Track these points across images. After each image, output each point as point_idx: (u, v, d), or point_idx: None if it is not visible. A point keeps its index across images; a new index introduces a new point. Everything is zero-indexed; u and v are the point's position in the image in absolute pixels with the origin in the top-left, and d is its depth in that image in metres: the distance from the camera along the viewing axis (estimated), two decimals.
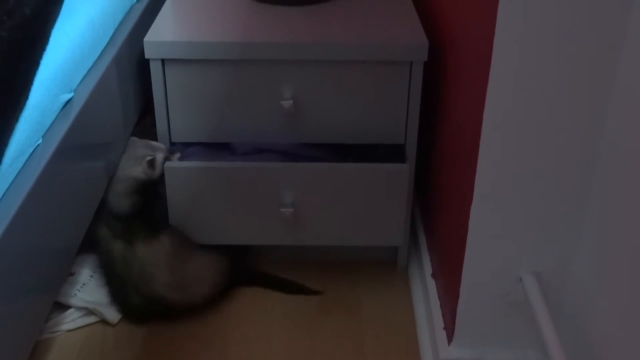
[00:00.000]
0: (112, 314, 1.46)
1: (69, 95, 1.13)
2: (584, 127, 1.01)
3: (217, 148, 1.48)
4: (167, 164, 1.43)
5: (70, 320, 1.46)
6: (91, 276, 1.55)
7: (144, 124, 1.63)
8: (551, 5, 0.93)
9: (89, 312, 1.47)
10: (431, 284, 1.42)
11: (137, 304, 1.45)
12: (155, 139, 1.46)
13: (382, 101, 1.42)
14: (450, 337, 1.24)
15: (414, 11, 1.53)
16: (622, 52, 0.95)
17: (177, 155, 1.48)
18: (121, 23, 1.46)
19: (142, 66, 1.42)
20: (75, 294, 1.50)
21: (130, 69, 1.45)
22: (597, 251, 1.05)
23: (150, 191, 1.48)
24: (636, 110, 0.93)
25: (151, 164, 1.45)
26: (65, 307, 1.48)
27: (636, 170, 0.93)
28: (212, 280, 1.49)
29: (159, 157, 1.47)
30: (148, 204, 1.49)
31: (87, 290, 1.51)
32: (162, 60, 1.38)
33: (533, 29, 0.95)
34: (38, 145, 1.02)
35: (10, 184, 0.94)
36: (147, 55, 1.37)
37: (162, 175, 1.47)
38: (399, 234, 1.48)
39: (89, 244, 1.59)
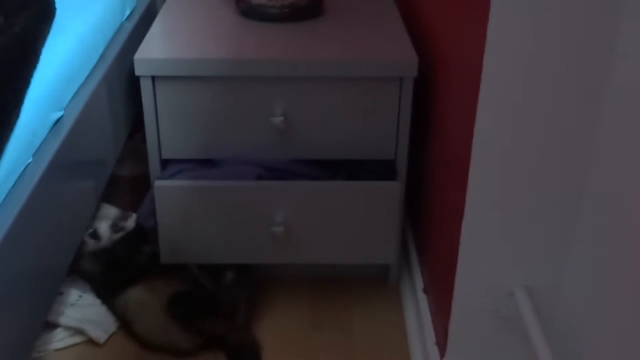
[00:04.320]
0: (99, 333, 1.45)
1: (60, 114, 1.13)
2: (575, 143, 1.02)
3: (202, 163, 1.48)
4: (157, 182, 1.42)
5: (59, 339, 1.45)
6: (80, 296, 1.54)
7: (134, 141, 1.63)
8: (541, 21, 0.94)
9: (77, 331, 1.46)
10: (423, 299, 1.42)
11: None
12: (146, 156, 1.46)
13: (373, 117, 1.43)
14: (442, 353, 1.24)
15: (404, 27, 1.54)
16: (613, 67, 0.96)
17: (133, 217, 1.49)
18: (111, 41, 1.46)
19: (133, 83, 1.42)
20: (63, 312, 1.48)
21: (121, 87, 1.45)
22: (588, 266, 1.06)
23: (109, 257, 1.49)
24: (628, 129, 0.94)
25: (93, 236, 1.46)
26: (52, 325, 1.46)
27: (628, 187, 0.94)
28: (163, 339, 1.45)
29: (102, 227, 1.47)
30: (111, 267, 1.50)
31: (75, 308, 1.50)
32: (153, 78, 1.38)
33: (523, 45, 0.95)
34: (29, 164, 1.01)
35: (1, 203, 0.94)
36: (137, 73, 1.37)
37: (124, 239, 1.48)
38: (390, 252, 1.48)
39: (79, 264, 1.59)
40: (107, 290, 1.50)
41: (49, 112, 1.09)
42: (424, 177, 1.49)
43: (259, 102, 1.41)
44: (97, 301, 1.53)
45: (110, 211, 1.51)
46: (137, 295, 1.45)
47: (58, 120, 1.13)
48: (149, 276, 1.46)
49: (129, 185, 1.66)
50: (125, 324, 1.47)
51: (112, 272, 1.49)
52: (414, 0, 1.65)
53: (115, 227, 1.48)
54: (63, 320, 1.47)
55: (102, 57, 1.38)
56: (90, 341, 1.45)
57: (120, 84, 1.45)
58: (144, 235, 1.49)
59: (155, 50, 1.42)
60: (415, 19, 1.60)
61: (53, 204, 1.07)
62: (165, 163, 1.48)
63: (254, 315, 1.51)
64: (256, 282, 1.58)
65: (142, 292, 1.44)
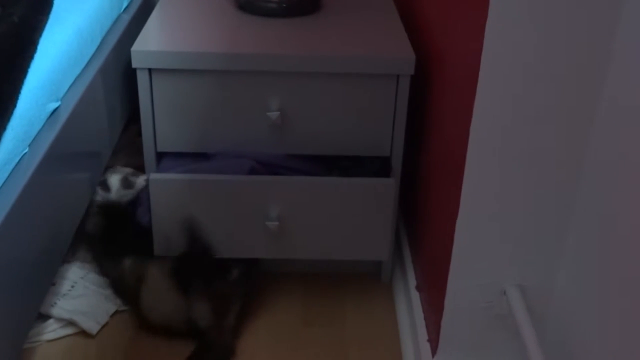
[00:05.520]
0: (91, 324, 1.45)
1: (56, 104, 1.13)
2: (570, 143, 1.03)
3: (196, 156, 1.48)
4: (152, 175, 1.42)
5: (51, 330, 1.45)
6: (72, 287, 1.54)
7: (130, 133, 1.63)
8: (540, 20, 0.94)
9: (69, 322, 1.46)
10: (415, 296, 1.42)
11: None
12: (140, 149, 1.46)
13: (369, 114, 1.43)
14: (434, 349, 1.24)
15: (401, 24, 1.55)
16: (610, 68, 0.97)
17: (144, 176, 1.48)
18: (108, 32, 1.46)
19: (129, 75, 1.42)
20: (55, 303, 1.48)
21: (117, 78, 1.45)
22: (581, 265, 1.06)
23: (115, 214, 1.49)
24: (623, 130, 0.95)
25: (103, 185, 1.47)
26: (44, 317, 1.46)
27: (620, 186, 0.94)
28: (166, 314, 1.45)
29: (113, 179, 1.47)
30: (113, 227, 1.50)
31: (67, 299, 1.50)
32: (149, 70, 1.38)
33: (521, 43, 0.96)
34: (24, 154, 1.01)
35: None
36: (134, 65, 1.37)
37: (135, 200, 1.48)
38: (384, 249, 1.48)
39: (72, 254, 1.59)
40: (105, 252, 1.50)
41: (46, 103, 1.09)
42: (419, 175, 1.49)
43: (255, 96, 1.41)
44: (89, 291, 1.53)
45: (122, 169, 1.53)
46: (137, 270, 1.45)
47: (54, 111, 1.12)
48: (145, 254, 1.47)
49: None
50: (122, 295, 1.49)
51: (113, 231, 1.49)
52: None
53: (125, 182, 1.50)
54: (55, 311, 1.47)
55: (99, 49, 1.38)
56: (82, 332, 1.45)
57: (117, 75, 1.45)
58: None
59: (152, 42, 1.42)
60: (413, 15, 1.60)
61: (48, 195, 1.07)
62: (160, 156, 1.48)
63: (247, 311, 1.52)
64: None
65: (141, 267, 1.45)
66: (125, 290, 1.49)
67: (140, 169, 1.50)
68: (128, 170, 1.53)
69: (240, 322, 1.48)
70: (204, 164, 1.45)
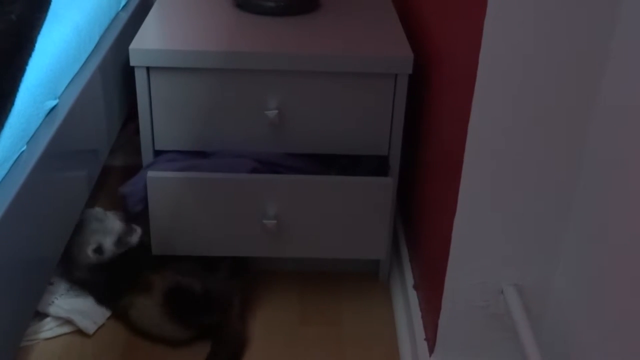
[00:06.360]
0: (88, 324, 1.45)
1: (54, 102, 1.13)
2: (568, 142, 1.03)
3: (195, 155, 1.48)
4: (150, 173, 1.42)
5: (48, 328, 1.45)
6: (70, 287, 1.53)
7: (127, 132, 1.63)
8: (537, 20, 0.94)
9: (66, 321, 1.46)
10: (413, 295, 1.42)
11: None
12: (138, 147, 1.46)
13: (367, 113, 1.43)
14: (431, 349, 1.24)
15: (399, 23, 1.55)
16: (608, 68, 0.97)
17: (138, 232, 1.47)
18: (107, 30, 1.46)
19: (127, 73, 1.42)
20: (53, 302, 1.48)
21: (115, 76, 1.45)
22: (578, 265, 1.07)
23: (111, 270, 1.47)
24: (620, 130, 0.95)
25: (98, 251, 1.44)
26: (42, 315, 1.46)
27: (618, 186, 0.95)
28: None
29: (107, 242, 1.45)
30: (101, 284, 1.48)
31: (65, 298, 1.50)
32: (147, 68, 1.38)
33: (519, 42, 0.96)
34: (22, 152, 1.01)
35: None
36: (132, 63, 1.37)
37: (123, 255, 1.46)
38: (381, 247, 1.49)
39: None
40: (110, 298, 1.49)
41: (44, 101, 1.09)
42: (416, 174, 1.49)
43: (253, 95, 1.41)
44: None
45: (115, 224, 1.47)
46: (134, 295, 1.45)
47: (52, 109, 1.12)
48: (144, 273, 1.46)
49: (121, 176, 1.66)
50: (128, 323, 1.47)
51: (115, 283, 1.47)
52: None
53: (119, 243, 1.46)
54: (52, 310, 1.47)
55: (97, 47, 1.38)
56: (79, 331, 1.45)
57: (115, 73, 1.45)
58: (146, 249, 1.48)
59: (150, 40, 1.42)
60: (411, 14, 1.60)
61: (46, 193, 1.07)
62: (158, 154, 1.48)
63: (245, 308, 1.51)
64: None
65: (137, 291, 1.44)
66: (118, 315, 1.49)
67: (138, 167, 1.50)
68: (120, 227, 1.47)
69: (245, 313, 1.49)
70: (204, 161, 1.45)
